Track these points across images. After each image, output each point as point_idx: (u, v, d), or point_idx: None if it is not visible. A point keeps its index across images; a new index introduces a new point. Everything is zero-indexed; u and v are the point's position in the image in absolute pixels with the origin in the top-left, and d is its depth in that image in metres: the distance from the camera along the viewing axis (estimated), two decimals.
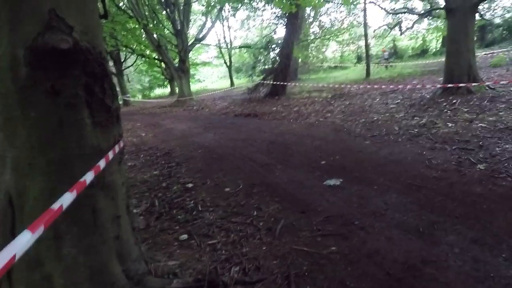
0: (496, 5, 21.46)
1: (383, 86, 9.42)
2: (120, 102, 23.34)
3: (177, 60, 17.24)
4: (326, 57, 28.01)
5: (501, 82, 6.67)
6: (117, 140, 1.78)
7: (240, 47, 24.79)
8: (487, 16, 21.25)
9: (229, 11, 20.85)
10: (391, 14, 20.39)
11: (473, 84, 6.43)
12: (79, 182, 1.25)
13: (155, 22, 16.27)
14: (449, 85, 6.56)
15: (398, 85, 9.29)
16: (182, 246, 2.56)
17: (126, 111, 16.84)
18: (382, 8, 10.56)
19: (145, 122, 11.26)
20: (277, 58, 13.61)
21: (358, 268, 2.01)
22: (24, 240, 0.87)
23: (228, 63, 26.56)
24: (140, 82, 32.93)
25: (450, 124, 4.97)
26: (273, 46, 19.87)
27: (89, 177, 1.34)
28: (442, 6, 8.53)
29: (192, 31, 24.36)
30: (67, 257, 1.59)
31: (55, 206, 1.00)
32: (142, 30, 15.43)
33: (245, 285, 1.96)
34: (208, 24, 19.60)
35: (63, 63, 1.41)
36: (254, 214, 2.94)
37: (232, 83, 26.16)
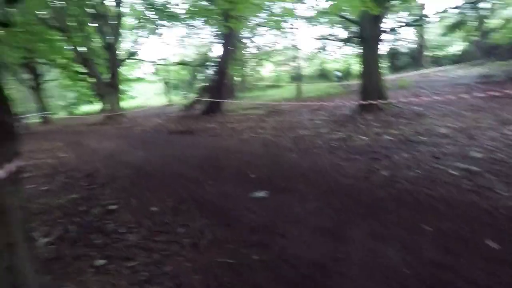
0: (402, 38, 25.58)
1: (311, 103, 10.24)
2: (39, 120, 20.91)
3: (107, 75, 16.22)
4: (263, 76, 29.32)
5: (401, 100, 7.83)
6: (10, 159, 1.62)
7: (176, 63, 24.35)
8: (396, 45, 25.25)
9: (161, 29, 20.45)
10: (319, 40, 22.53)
11: (382, 101, 7.43)
12: None
13: (82, 35, 15.14)
14: (363, 103, 7.46)
15: (324, 103, 10.20)
16: (98, 273, 2.38)
17: (45, 130, 15.10)
18: (307, 34, 11.61)
19: (68, 141, 10.21)
20: (213, 76, 13.77)
21: (276, 272, 2.12)
22: None
23: (164, 80, 25.90)
24: (64, 98, 29.85)
25: (363, 137, 5.62)
26: (210, 64, 20.06)
27: None
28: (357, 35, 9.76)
29: (125, 46, 23.25)
30: None
31: None
32: (66, 43, 14.27)
33: None
34: (142, 39, 18.97)
35: None
36: (180, 231, 2.88)
37: (168, 100, 25.45)
